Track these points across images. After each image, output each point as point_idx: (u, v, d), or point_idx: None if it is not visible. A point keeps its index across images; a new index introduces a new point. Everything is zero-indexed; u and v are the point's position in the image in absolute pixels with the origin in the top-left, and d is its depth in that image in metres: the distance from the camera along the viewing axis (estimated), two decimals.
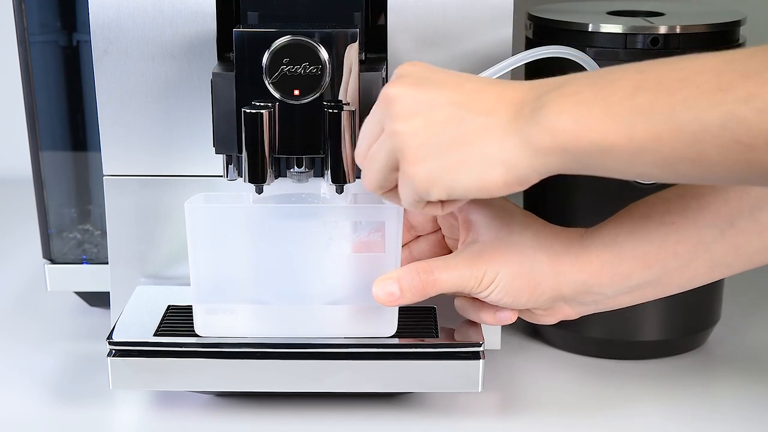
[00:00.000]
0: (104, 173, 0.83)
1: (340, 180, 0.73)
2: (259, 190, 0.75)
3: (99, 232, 0.95)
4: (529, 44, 0.89)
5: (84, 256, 0.95)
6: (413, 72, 0.65)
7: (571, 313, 0.74)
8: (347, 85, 0.72)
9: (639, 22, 0.84)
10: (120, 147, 0.82)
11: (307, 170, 0.75)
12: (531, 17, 0.88)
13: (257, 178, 0.72)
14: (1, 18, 1.11)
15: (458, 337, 0.76)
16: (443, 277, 0.70)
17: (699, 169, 0.55)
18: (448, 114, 0.62)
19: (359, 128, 0.73)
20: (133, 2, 0.78)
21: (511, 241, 0.71)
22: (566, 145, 0.58)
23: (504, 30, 0.79)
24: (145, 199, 0.83)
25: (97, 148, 0.82)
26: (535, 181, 0.61)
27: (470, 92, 0.62)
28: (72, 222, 0.95)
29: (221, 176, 0.78)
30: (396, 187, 0.66)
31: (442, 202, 0.65)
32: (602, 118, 0.56)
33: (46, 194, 0.94)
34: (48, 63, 0.91)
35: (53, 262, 0.95)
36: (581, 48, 0.82)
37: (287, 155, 0.74)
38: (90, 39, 0.79)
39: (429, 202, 0.65)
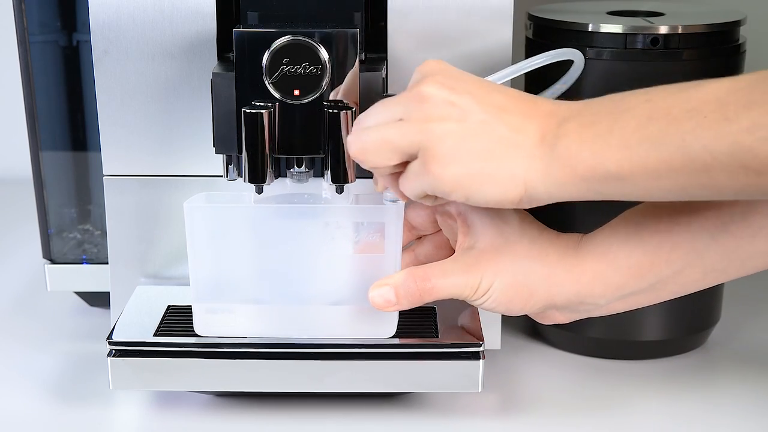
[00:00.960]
0: (104, 173, 0.83)
1: (340, 180, 0.73)
2: (259, 190, 0.75)
3: (99, 232, 0.95)
4: (529, 44, 0.89)
5: (84, 256, 0.95)
6: (443, 71, 0.66)
7: (562, 318, 0.74)
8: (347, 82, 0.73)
9: (639, 22, 0.84)
10: (120, 147, 0.82)
11: (307, 170, 0.75)
12: (531, 17, 0.88)
13: (257, 178, 0.72)
14: (1, 18, 1.11)
15: (458, 337, 0.76)
16: (440, 284, 0.71)
17: (711, 192, 0.58)
18: (480, 122, 0.64)
19: None
20: (133, 2, 0.78)
21: (507, 250, 0.71)
22: (584, 175, 0.61)
23: (504, 30, 0.79)
24: (145, 199, 0.83)
25: (97, 148, 0.82)
26: (544, 203, 0.64)
27: (499, 106, 0.64)
28: (72, 222, 0.95)
29: (221, 176, 0.78)
30: (386, 166, 0.67)
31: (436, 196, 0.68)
32: (618, 149, 0.59)
33: (46, 194, 0.94)
34: (48, 63, 0.91)
35: (53, 262, 0.95)
36: (581, 48, 0.82)
37: (287, 155, 0.74)
38: (90, 39, 0.79)
39: (429, 195, 0.67)
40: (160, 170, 0.82)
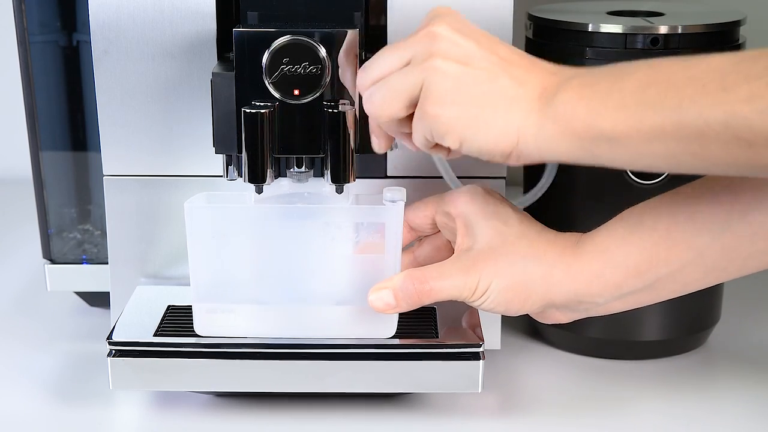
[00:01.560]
0: (104, 173, 0.83)
1: (340, 180, 0.73)
2: (259, 190, 0.75)
3: (99, 232, 0.95)
4: (529, 44, 0.89)
5: (84, 256, 0.95)
6: (453, 14, 0.66)
7: (562, 318, 0.74)
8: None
9: (639, 22, 0.84)
10: (120, 147, 0.82)
11: (307, 170, 0.75)
12: (531, 17, 0.88)
13: (257, 178, 0.72)
14: (1, 18, 1.11)
15: (458, 338, 0.76)
16: (437, 286, 0.71)
17: (702, 163, 0.58)
18: (483, 69, 0.64)
19: (358, 128, 0.73)
20: (133, 2, 0.78)
21: (505, 251, 0.71)
22: (578, 131, 0.60)
23: (504, 30, 0.79)
24: (145, 199, 0.83)
25: (97, 148, 0.82)
26: (532, 162, 0.64)
27: (504, 57, 0.65)
28: (72, 222, 0.95)
29: (221, 176, 0.78)
30: (400, 119, 0.67)
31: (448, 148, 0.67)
32: (614, 108, 0.59)
33: (46, 194, 0.94)
34: (48, 63, 0.91)
35: (53, 262, 0.95)
36: (581, 48, 0.82)
37: (287, 155, 0.74)
38: (90, 39, 0.79)
39: (437, 145, 0.67)
40: (160, 170, 0.82)
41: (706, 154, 0.57)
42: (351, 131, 0.72)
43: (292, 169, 0.75)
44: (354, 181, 0.74)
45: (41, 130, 0.92)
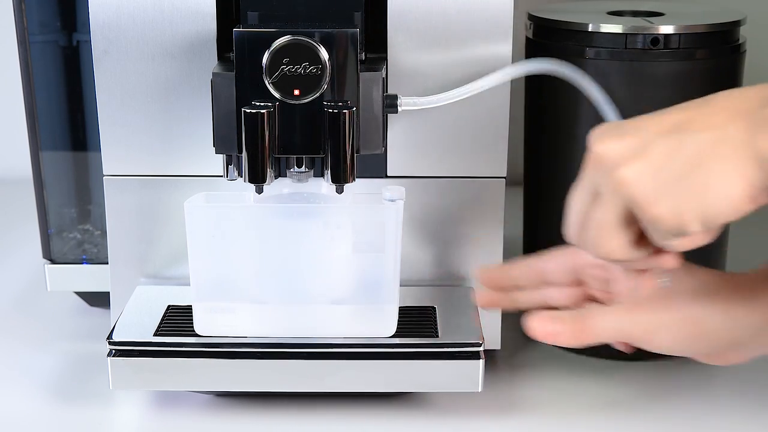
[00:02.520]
0: (104, 173, 0.83)
1: (340, 180, 0.73)
2: (259, 190, 0.75)
3: (99, 232, 0.95)
4: (529, 44, 0.89)
5: (84, 256, 0.95)
6: (602, 128, 0.62)
7: (739, 358, 0.69)
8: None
9: (639, 22, 0.84)
10: (120, 147, 0.82)
11: (307, 170, 0.75)
12: (531, 17, 0.88)
13: (257, 178, 0.72)
14: (1, 18, 1.11)
15: (458, 337, 0.76)
16: (603, 323, 0.67)
17: None
18: (664, 144, 0.57)
19: (358, 127, 0.73)
20: (133, 2, 0.78)
21: (676, 288, 0.67)
22: None
23: (504, 30, 0.79)
24: (145, 199, 0.83)
25: (97, 148, 0.82)
26: None
27: (676, 121, 0.59)
28: (72, 222, 0.95)
29: (221, 176, 0.78)
30: (635, 244, 0.62)
31: None
32: None
33: (46, 194, 0.94)
34: (48, 63, 0.91)
35: (53, 262, 0.95)
36: (581, 48, 0.82)
37: (287, 155, 0.74)
38: (90, 39, 0.79)
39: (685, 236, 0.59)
40: (160, 170, 0.82)
41: None
42: (351, 131, 0.72)
43: (292, 169, 0.75)
44: (354, 181, 0.74)
45: (41, 130, 0.92)
